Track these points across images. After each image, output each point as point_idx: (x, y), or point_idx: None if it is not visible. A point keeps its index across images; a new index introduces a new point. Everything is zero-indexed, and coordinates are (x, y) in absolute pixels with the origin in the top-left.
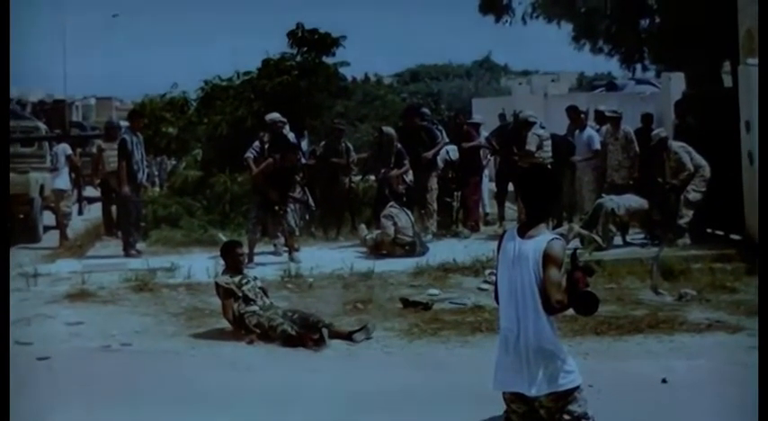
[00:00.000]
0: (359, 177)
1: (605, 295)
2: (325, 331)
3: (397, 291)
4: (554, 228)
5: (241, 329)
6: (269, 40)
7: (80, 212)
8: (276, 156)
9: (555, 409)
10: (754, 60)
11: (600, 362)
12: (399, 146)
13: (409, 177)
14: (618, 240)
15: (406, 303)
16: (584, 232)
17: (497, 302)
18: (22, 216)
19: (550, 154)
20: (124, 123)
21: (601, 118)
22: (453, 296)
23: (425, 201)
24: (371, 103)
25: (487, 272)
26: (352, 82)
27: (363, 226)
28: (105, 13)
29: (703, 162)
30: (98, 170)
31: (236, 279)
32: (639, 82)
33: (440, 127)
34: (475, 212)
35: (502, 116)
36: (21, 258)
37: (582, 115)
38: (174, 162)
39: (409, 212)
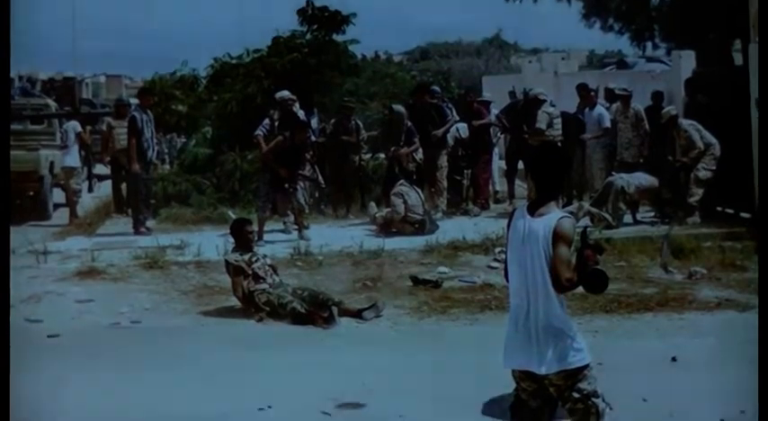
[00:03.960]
0: (369, 155)
1: (615, 273)
2: (334, 309)
3: (407, 269)
4: (564, 207)
5: (251, 307)
6: (279, 18)
7: (90, 190)
8: (286, 133)
9: (564, 387)
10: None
11: (609, 341)
12: (409, 124)
13: (419, 155)
14: (628, 218)
15: (416, 281)
16: (594, 210)
17: (507, 280)
18: (32, 193)
19: (560, 132)
20: (134, 101)
21: (611, 96)
22: (463, 274)
23: (435, 179)
24: (381, 81)
25: (497, 250)
26: (361, 60)
27: (373, 204)
28: None
29: (713, 140)
30: (108, 148)
31: (246, 256)
32: (650, 60)
33: (450, 105)
34: (485, 190)
35: (512, 94)
36: (31, 235)
37: (592, 93)
38: (183, 139)
39: (419, 190)
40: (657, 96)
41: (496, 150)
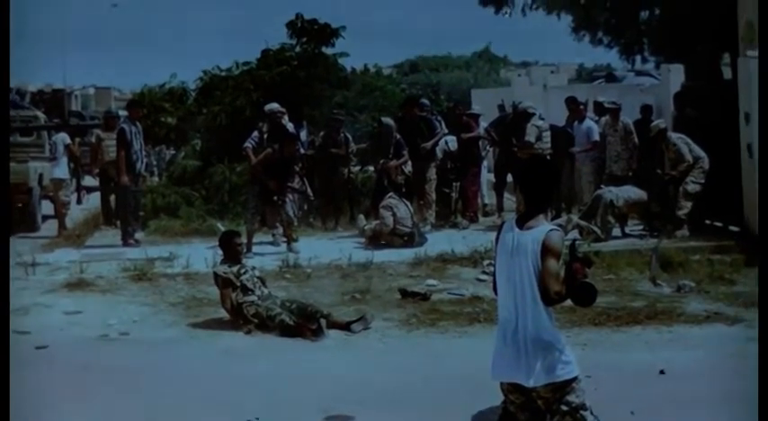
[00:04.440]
0: (358, 168)
1: (604, 286)
2: (323, 321)
3: (396, 282)
4: (553, 219)
5: (239, 319)
6: (268, 31)
7: (79, 202)
8: (275, 146)
9: (553, 400)
10: (754, 52)
11: (598, 353)
12: (398, 136)
13: (408, 168)
14: (617, 231)
15: (405, 294)
16: (583, 223)
17: (496, 293)
18: (20, 205)
19: (549, 145)
20: (123, 113)
21: (600, 109)
22: (452, 287)
23: (424, 191)
24: (371, 94)
25: (486, 262)
26: (351, 72)
27: (362, 216)
28: (105, 2)
29: (702, 153)
30: (97, 159)
31: (235, 269)
32: (639, 73)
33: (439, 118)
34: (474, 203)
35: (501, 107)
36: (19, 247)
37: (581, 106)
38: (172, 152)
39: (408, 203)
40: (646, 110)
41: (485, 163)
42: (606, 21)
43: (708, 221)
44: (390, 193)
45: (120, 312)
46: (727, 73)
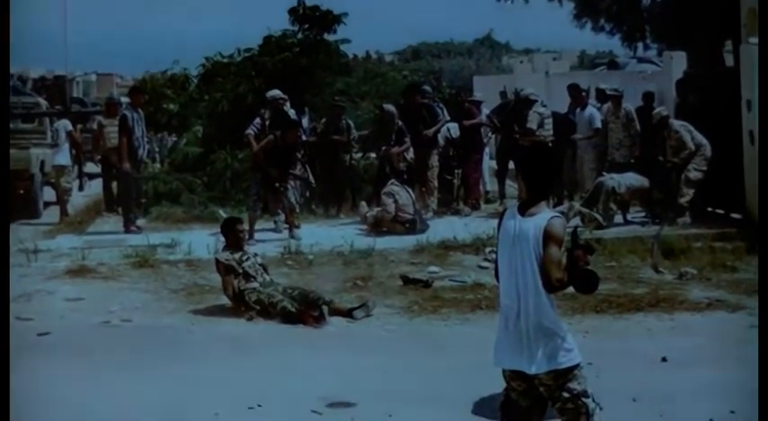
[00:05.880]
0: (359, 154)
1: (606, 273)
2: (325, 308)
3: (398, 269)
4: (554, 207)
5: (241, 306)
6: (270, 17)
7: (80, 188)
8: (277, 133)
9: (554, 387)
10: (756, 39)
11: (600, 341)
12: (400, 123)
13: (410, 155)
14: (618, 219)
15: (407, 281)
16: (585, 210)
17: (497, 280)
18: (22, 192)
19: (551, 132)
20: (125, 99)
21: (602, 96)
22: (453, 274)
23: (426, 178)
24: (372, 81)
25: (488, 250)
26: (353, 59)
27: (364, 203)
28: None
29: (704, 141)
30: (99, 146)
31: (237, 255)
32: (641, 60)
33: (441, 104)
34: (476, 190)
35: (503, 94)
36: (21, 234)
37: (583, 93)
38: (174, 138)
39: (410, 190)
40: (648, 97)
41: (487, 150)
42: (608, 8)
43: (710, 208)
44: (392, 180)
45: (122, 299)
46: (729, 60)
